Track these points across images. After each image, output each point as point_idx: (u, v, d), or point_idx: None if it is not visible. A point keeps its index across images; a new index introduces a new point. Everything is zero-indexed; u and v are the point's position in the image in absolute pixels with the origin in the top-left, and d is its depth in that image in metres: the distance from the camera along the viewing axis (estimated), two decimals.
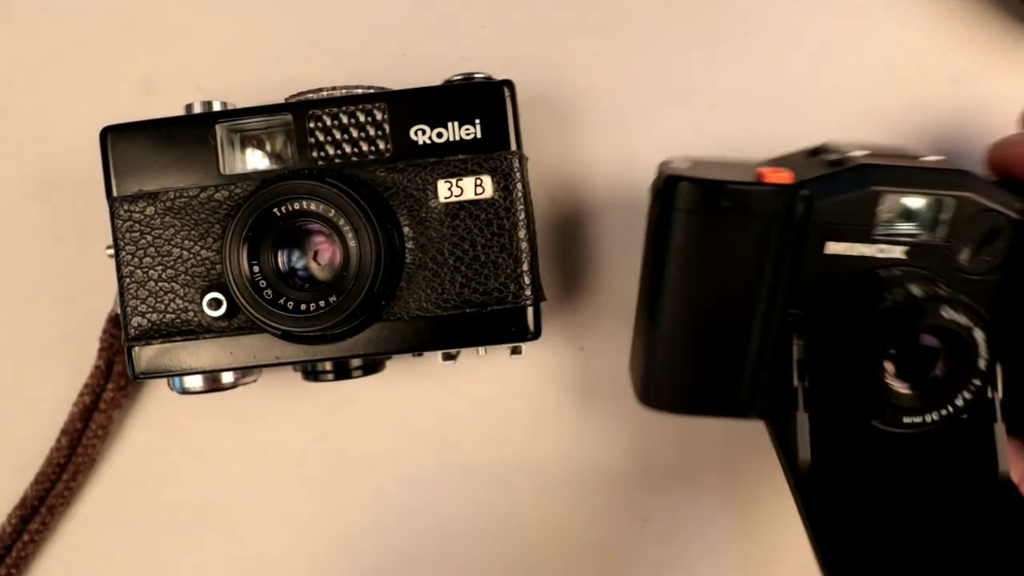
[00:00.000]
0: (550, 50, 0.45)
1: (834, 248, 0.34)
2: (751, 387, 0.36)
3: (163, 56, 0.46)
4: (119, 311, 0.39)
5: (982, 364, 0.32)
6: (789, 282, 0.35)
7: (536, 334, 0.38)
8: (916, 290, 0.32)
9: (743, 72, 0.45)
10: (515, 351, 0.40)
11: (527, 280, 0.38)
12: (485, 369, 0.46)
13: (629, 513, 0.45)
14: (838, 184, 0.34)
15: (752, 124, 0.45)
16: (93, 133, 0.39)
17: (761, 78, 0.45)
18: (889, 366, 0.33)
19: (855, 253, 0.34)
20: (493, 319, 0.38)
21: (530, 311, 0.38)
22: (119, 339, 0.43)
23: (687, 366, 0.37)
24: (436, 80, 0.39)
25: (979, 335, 0.32)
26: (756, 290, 0.35)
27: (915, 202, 0.34)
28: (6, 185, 0.46)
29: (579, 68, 0.45)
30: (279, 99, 0.39)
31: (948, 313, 0.32)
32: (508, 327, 0.38)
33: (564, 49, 0.46)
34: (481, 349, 0.39)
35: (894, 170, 0.34)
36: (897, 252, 0.34)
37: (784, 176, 0.34)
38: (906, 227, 0.34)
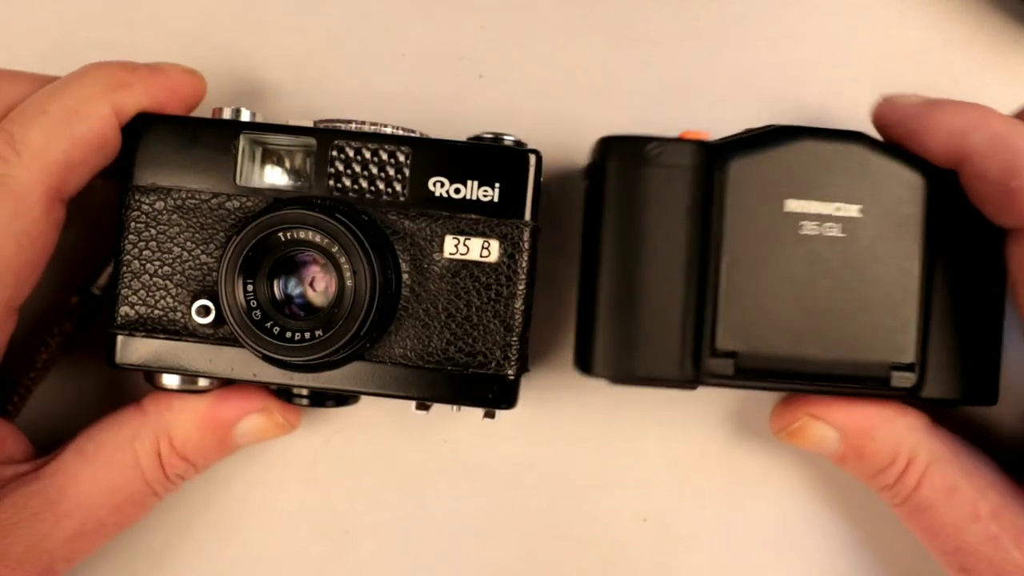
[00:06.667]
0: (550, 50, 0.46)
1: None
2: (693, 351, 0.38)
3: (163, 56, 0.46)
4: (107, 295, 0.39)
5: None
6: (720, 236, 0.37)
7: (511, 405, 0.38)
8: None
9: (742, 72, 0.45)
10: (489, 415, 0.40)
11: (515, 351, 0.38)
12: None
13: (629, 513, 0.45)
14: (758, 140, 0.38)
15: (751, 124, 0.45)
16: None
17: (761, 78, 0.45)
18: None
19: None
20: (473, 381, 0.38)
21: (511, 381, 0.38)
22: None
23: (625, 325, 0.38)
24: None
25: None
26: (688, 242, 0.38)
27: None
28: None
29: (579, 68, 0.45)
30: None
31: None
32: (486, 393, 0.38)
33: (564, 49, 0.45)
34: (455, 406, 0.39)
35: (805, 129, 0.38)
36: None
37: (704, 134, 0.38)
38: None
